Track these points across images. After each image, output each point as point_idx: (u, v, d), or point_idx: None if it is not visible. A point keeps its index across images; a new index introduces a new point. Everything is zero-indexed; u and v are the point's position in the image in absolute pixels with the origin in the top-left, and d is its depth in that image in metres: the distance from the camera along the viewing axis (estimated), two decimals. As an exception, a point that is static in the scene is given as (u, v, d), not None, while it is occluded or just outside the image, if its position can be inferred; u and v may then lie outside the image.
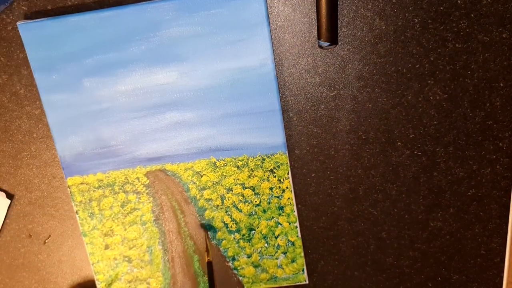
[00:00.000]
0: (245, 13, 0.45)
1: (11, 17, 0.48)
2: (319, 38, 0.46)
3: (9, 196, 0.53)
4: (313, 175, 0.51)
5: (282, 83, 0.48)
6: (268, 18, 0.45)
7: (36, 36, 0.46)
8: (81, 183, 0.50)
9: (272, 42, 0.47)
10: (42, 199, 0.54)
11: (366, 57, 0.47)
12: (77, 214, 0.51)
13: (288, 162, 0.49)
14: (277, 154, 0.49)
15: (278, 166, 0.49)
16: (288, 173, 0.49)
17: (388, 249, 0.53)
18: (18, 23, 0.46)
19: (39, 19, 0.46)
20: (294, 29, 0.47)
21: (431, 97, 0.48)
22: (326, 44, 0.45)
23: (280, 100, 0.49)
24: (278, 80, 0.48)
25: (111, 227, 0.52)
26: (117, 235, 0.52)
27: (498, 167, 0.50)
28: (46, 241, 0.55)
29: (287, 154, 0.49)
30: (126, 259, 0.53)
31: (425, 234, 0.52)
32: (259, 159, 0.49)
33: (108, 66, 0.47)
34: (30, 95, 0.50)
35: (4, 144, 0.52)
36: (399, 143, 0.50)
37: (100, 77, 0.47)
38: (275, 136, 0.48)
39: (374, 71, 0.47)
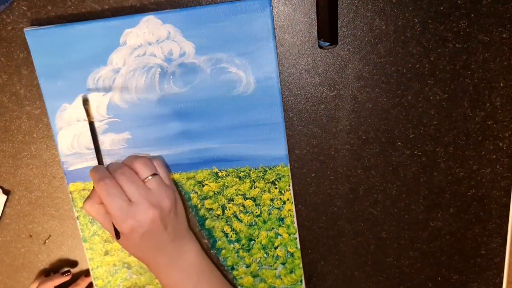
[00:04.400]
0: (252, 27, 0.45)
1: (11, 17, 0.48)
2: (319, 38, 0.46)
3: (6, 192, 0.53)
4: (313, 175, 0.51)
5: (282, 83, 0.48)
6: (274, 32, 0.45)
7: (43, 43, 0.46)
8: (83, 189, 0.50)
9: (277, 56, 0.47)
10: (42, 199, 0.54)
11: (366, 57, 0.47)
12: (78, 220, 0.51)
13: (290, 175, 0.49)
14: (279, 166, 0.49)
15: (280, 178, 0.49)
16: (289, 185, 0.49)
17: (388, 249, 0.53)
18: (25, 29, 0.46)
19: (46, 26, 0.46)
20: (294, 29, 0.47)
21: (431, 97, 0.48)
22: (326, 44, 0.45)
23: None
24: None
25: None
26: None
27: (498, 167, 0.50)
28: (46, 241, 0.55)
29: (289, 166, 0.49)
30: (126, 265, 0.53)
31: (425, 234, 0.52)
32: (261, 171, 0.49)
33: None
34: (30, 95, 0.50)
35: (4, 144, 0.52)
36: (399, 143, 0.49)
37: (105, 85, 0.47)
38: (278, 149, 0.48)
39: (374, 71, 0.47)
